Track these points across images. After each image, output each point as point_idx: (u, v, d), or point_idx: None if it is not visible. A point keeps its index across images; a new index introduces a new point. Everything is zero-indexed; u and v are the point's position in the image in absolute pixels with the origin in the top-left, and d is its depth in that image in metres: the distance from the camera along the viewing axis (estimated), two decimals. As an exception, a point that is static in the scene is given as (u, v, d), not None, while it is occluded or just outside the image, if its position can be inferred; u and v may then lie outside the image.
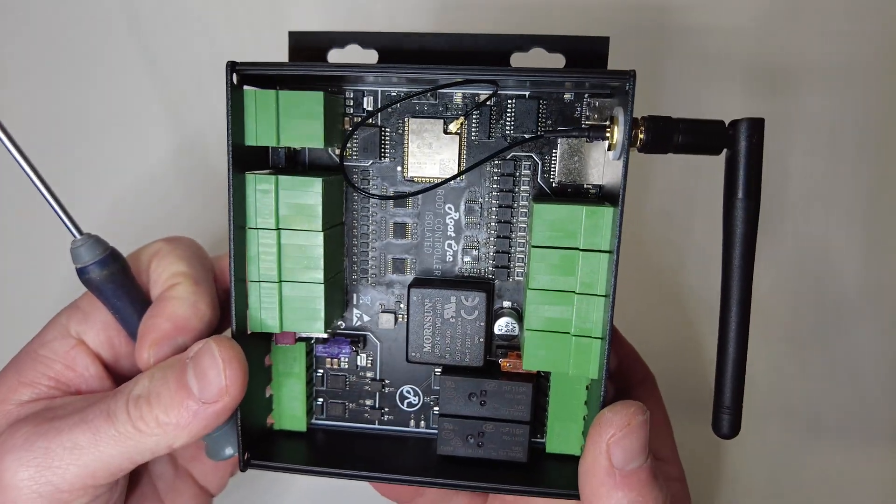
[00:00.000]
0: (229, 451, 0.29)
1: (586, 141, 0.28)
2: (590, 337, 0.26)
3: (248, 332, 0.28)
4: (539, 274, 0.26)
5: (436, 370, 0.31)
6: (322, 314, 0.28)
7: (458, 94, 0.29)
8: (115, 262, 0.27)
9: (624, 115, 0.24)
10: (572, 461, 0.29)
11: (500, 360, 0.29)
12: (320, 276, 0.27)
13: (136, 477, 0.30)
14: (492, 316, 0.29)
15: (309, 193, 0.27)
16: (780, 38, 0.39)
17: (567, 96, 0.28)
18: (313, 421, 0.32)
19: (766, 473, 0.42)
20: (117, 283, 0.27)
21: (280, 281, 0.27)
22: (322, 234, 0.27)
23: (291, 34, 0.29)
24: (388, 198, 0.30)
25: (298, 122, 0.26)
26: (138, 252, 0.29)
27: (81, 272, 0.26)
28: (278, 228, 0.27)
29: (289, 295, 0.27)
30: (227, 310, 0.28)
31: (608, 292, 0.25)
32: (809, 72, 0.39)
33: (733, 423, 0.26)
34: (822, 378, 0.41)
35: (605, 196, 0.28)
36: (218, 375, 0.24)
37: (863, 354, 0.41)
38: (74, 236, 0.27)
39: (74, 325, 0.28)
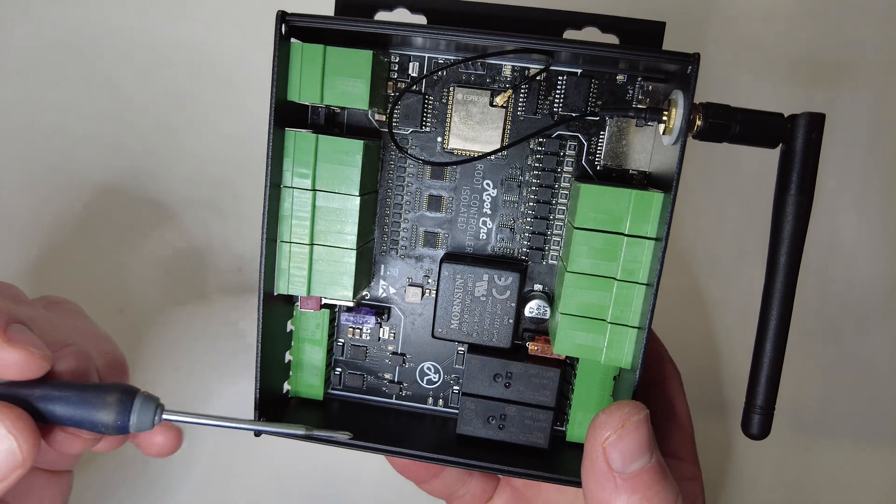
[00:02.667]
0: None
1: (637, 124, 0.28)
2: (626, 326, 0.25)
3: (274, 294, 0.27)
4: (580, 257, 0.25)
5: (459, 349, 0.30)
6: (352, 281, 0.27)
7: (507, 67, 0.28)
8: None
9: (684, 99, 0.24)
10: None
11: (528, 344, 0.29)
12: (353, 242, 0.27)
13: None
14: (522, 298, 0.29)
15: (349, 156, 0.26)
16: (819, 30, 0.38)
17: (620, 78, 0.27)
18: (330, 391, 0.31)
19: (773, 473, 0.42)
20: None
21: (311, 244, 0.27)
22: (359, 198, 0.26)
23: (339, -8, 0.28)
24: (434, 163, 0.29)
25: (344, 80, 0.25)
26: None
27: None
28: (314, 189, 0.26)
29: (319, 259, 0.27)
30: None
31: (651, 281, 0.24)
32: (855, 65, 0.38)
33: (764, 423, 0.25)
34: (832, 377, 0.40)
35: (651, 182, 0.28)
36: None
37: (875, 354, 0.40)
38: None
39: None
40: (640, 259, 0.25)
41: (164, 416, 0.23)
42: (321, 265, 0.27)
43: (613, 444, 0.23)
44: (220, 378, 0.42)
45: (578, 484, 0.26)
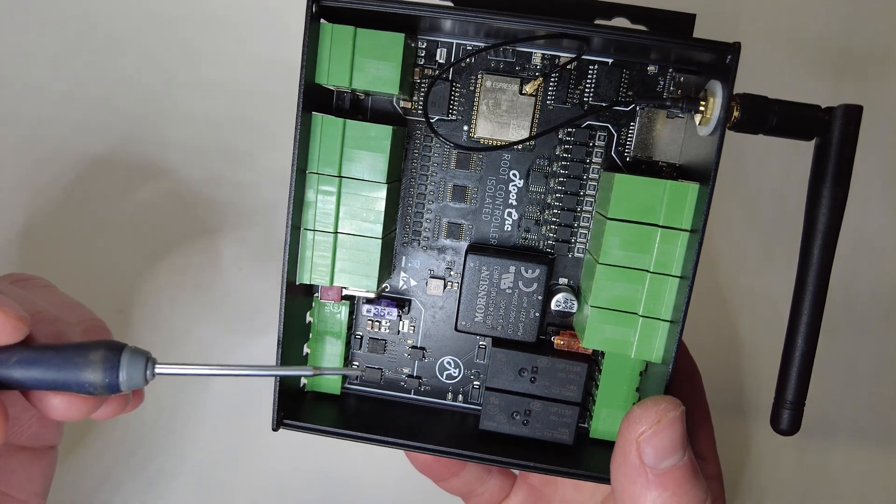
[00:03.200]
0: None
1: (668, 116, 0.27)
2: (658, 319, 0.25)
3: (297, 283, 0.26)
4: (612, 248, 0.25)
5: (480, 343, 0.30)
6: (376, 271, 0.26)
7: (536, 55, 0.27)
8: None
9: (723, 89, 0.23)
10: (612, 447, 0.28)
11: (554, 338, 0.28)
12: (379, 230, 0.26)
13: None
14: (548, 291, 0.28)
15: (377, 142, 0.25)
16: (848, 21, 0.38)
17: (651, 69, 0.27)
18: (346, 385, 0.31)
19: (791, 472, 0.42)
20: None
21: (336, 232, 0.26)
22: (386, 186, 0.26)
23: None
24: (467, 147, 0.28)
25: (375, 63, 0.25)
26: None
27: None
28: (340, 176, 0.25)
29: (343, 248, 0.26)
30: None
31: (686, 274, 0.24)
32: (885, 57, 0.38)
33: (794, 418, 0.25)
34: (856, 373, 0.40)
35: (682, 175, 0.27)
36: None
37: (888, 354, 0.40)
38: None
39: None
40: (673, 251, 0.25)
41: (158, 370, 0.21)
42: (345, 254, 0.26)
43: (648, 438, 0.23)
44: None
45: (605, 480, 0.26)
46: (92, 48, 0.39)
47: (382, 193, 0.26)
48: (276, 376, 0.23)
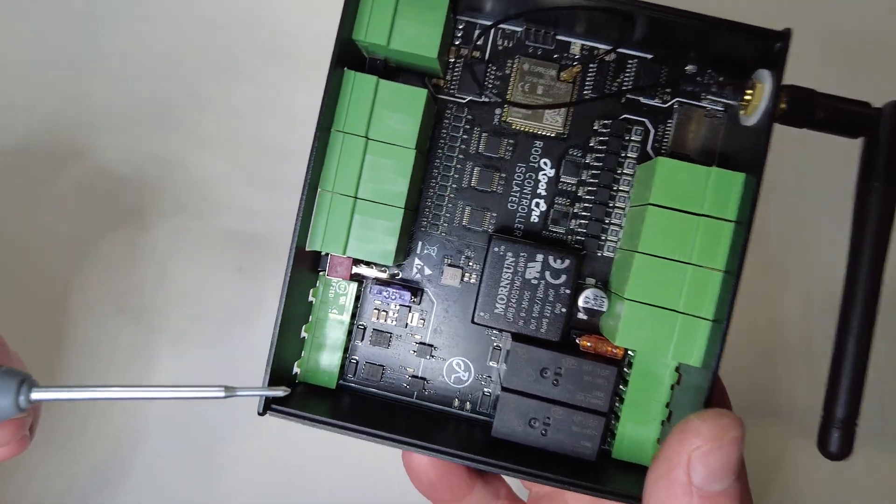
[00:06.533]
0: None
1: (706, 114, 0.26)
2: (698, 318, 0.23)
3: (307, 249, 0.24)
4: (653, 236, 0.23)
5: (495, 344, 0.27)
6: (395, 242, 0.24)
7: (576, 45, 0.27)
8: None
9: (771, 78, 0.23)
10: (638, 470, 0.25)
11: (579, 339, 0.26)
12: (402, 198, 0.24)
13: None
14: (577, 286, 0.26)
15: (410, 104, 0.24)
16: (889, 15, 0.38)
17: (689, 67, 0.27)
18: (343, 380, 0.28)
19: (828, 488, 0.37)
20: None
21: (356, 196, 0.24)
22: (414, 152, 0.24)
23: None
24: (520, 104, 0.26)
25: (416, 25, 0.24)
26: None
27: None
28: (367, 137, 0.24)
29: (362, 213, 0.24)
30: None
31: (731, 268, 0.22)
32: None
33: (845, 440, 0.23)
34: (893, 382, 0.37)
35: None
36: None
37: None
38: None
39: None
40: (718, 243, 0.23)
41: (35, 396, 0.18)
42: (363, 221, 0.24)
43: (702, 456, 0.20)
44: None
45: (634, 500, 0.23)
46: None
47: (410, 160, 0.24)
48: (175, 399, 0.20)
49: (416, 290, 0.27)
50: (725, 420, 0.20)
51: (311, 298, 0.26)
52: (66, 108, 0.37)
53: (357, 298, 0.27)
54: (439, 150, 0.27)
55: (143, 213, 0.37)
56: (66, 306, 0.36)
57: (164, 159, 0.37)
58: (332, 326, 0.26)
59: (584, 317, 0.26)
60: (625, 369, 0.26)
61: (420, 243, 0.27)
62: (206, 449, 0.37)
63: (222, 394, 0.20)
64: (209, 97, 0.37)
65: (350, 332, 0.27)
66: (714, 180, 0.23)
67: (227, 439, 0.37)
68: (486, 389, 0.27)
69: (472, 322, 0.25)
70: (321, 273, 0.26)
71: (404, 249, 0.27)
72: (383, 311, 0.27)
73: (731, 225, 0.23)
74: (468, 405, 0.27)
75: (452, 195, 0.27)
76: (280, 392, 0.22)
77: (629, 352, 0.26)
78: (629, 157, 0.27)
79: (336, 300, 0.26)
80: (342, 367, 0.27)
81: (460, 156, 0.27)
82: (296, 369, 0.26)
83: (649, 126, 0.27)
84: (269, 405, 0.23)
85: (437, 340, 0.27)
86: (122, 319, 0.37)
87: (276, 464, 0.38)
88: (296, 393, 0.26)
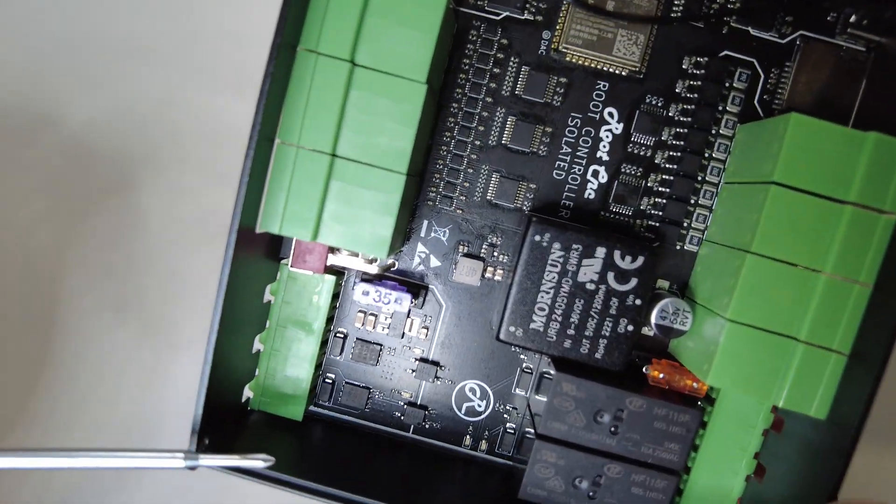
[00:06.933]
0: None
1: (844, 53, 0.18)
2: (828, 350, 0.16)
3: (256, 231, 0.16)
4: (772, 231, 0.16)
5: (526, 365, 0.20)
6: (391, 225, 0.16)
7: (664, -60, 0.18)
8: None
9: None
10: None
11: (647, 368, 0.18)
12: (405, 161, 0.16)
13: None
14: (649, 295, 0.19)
15: (421, 15, 0.15)
16: None
17: (827, -18, 0.18)
18: (312, 406, 0.20)
19: None
20: None
21: (333, 154, 0.16)
22: (425, 89, 0.16)
23: None
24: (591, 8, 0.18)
25: None
26: None
27: None
28: (352, 62, 0.16)
29: (343, 181, 0.16)
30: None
31: (884, 282, 0.15)
32: None
33: None
34: None
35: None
36: None
37: None
38: None
39: None
40: (867, 245, 0.15)
41: None
42: (344, 192, 0.16)
43: None
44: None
45: None
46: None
47: (418, 100, 0.16)
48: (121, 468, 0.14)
49: (417, 287, 0.19)
50: None
51: (268, 297, 0.18)
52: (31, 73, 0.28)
53: (335, 297, 0.19)
54: (458, 90, 0.19)
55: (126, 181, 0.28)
56: (50, 290, 0.28)
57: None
58: (299, 336, 0.19)
59: (652, 333, 0.19)
60: (703, 404, 0.19)
61: (425, 223, 0.19)
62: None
63: (181, 464, 0.14)
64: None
65: (324, 343, 0.19)
66: (872, 152, 0.15)
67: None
68: (509, 424, 0.20)
69: (497, 339, 0.18)
70: (283, 263, 0.18)
71: (403, 232, 0.19)
72: (371, 315, 0.20)
73: (890, 219, 0.15)
74: (483, 444, 0.20)
75: (474, 156, 0.19)
76: (261, 463, 0.15)
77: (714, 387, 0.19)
78: (729, 112, 0.19)
79: (304, 300, 0.18)
80: (312, 388, 0.19)
81: (488, 98, 0.19)
82: (247, 393, 0.19)
83: (759, 69, 0.19)
84: (204, 446, 0.16)
85: (445, 357, 0.20)
86: (107, 283, 0.29)
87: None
88: (247, 425, 0.18)
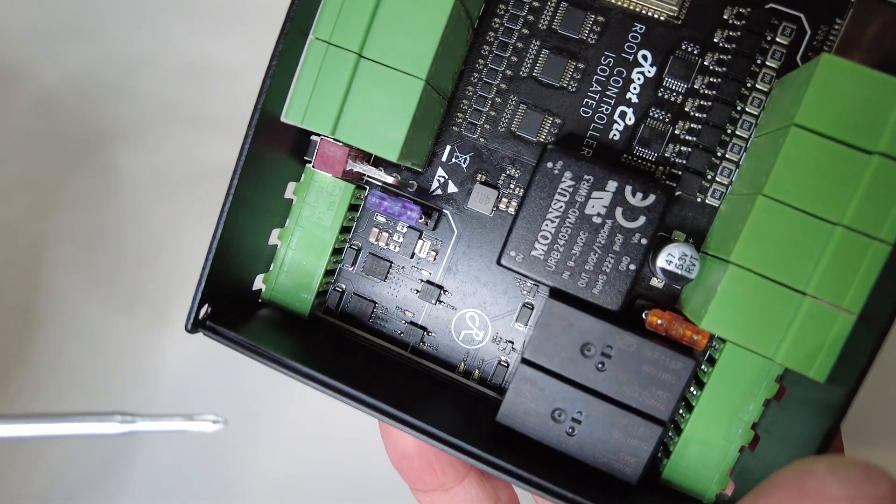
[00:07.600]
0: None
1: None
2: (836, 308, 0.15)
3: (280, 120, 0.17)
4: (789, 174, 0.15)
5: (526, 300, 0.20)
6: (405, 129, 0.17)
7: None
8: None
9: None
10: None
11: (646, 314, 0.18)
12: (425, 67, 0.16)
13: None
14: (659, 237, 0.18)
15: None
16: None
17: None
18: (320, 314, 0.21)
19: None
20: None
21: (360, 54, 0.17)
22: (453, 1, 0.16)
23: None
24: None
25: None
26: None
27: None
28: (389, -33, 0.16)
29: (366, 81, 0.17)
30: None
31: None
32: None
33: None
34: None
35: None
36: None
37: None
38: None
39: None
40: (889, 201, 0.15)
41: None
42: (365, 92, 0.17)
43: None
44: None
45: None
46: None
47: (445, 9, 0.16)
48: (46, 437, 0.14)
49: (431, 209, 0.20)
50: (867, 472, 0.13)
51: (290, 195, 0.19)
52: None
53: (354, 209, 0.20)
54: (496, 20, 0.19)
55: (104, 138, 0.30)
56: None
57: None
58: (315, 239, 0.20)
59: (661, 283, 0.18)
60: (702, 366, 0.18)
61: (448, 148, 0.20)
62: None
63: (117, 429, 0.13)
64: None
65: (339, 252, 0.20)
66: (912, 101, 0.14)
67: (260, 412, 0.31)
68: (503, 357, 0.20)
69: (498, 263, 0.18)
70: (307, 164, 0.19)
71: (426, 152, 0.20)
72: (385, 231, 0.20)
73: (929, 177, 0.14)
74: (476, 373, 0.20)
75: (504, 85, 0.19)
76: (208, 426, 0.15)
77: (714, 341, 0.18)
78: (767, 67, 0.18)
79: (325, 204, 0.19)
80: (321, 291, 0.20)
81: (524, 30, 0.19)
82: (259, 284, 0.20)
83: (805, 24, 0.18)
84: (201, 323, 0.17)
85: (450, 282, 0.20)
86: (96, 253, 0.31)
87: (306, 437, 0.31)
88: (255, 317, 0.20)
